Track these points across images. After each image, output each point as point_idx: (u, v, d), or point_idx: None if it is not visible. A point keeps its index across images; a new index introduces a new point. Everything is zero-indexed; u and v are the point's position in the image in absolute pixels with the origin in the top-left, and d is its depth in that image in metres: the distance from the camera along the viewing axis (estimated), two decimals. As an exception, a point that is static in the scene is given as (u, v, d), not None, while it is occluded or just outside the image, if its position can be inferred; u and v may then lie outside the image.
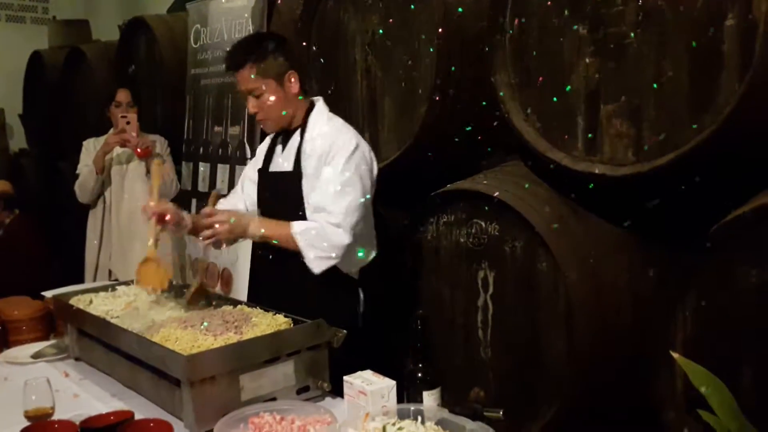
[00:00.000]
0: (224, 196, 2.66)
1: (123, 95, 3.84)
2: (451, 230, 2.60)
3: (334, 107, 2.44)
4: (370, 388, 1.65)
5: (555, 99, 2.26)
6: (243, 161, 3.48)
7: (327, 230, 2.17)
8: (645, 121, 2.06)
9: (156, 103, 4.34)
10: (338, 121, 2.34)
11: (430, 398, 1.68)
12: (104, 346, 2.10)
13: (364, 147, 2.29)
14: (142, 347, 1.86)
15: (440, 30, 2.50)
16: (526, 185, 2.41)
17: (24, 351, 2.37)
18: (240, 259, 3.45)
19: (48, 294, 2.63)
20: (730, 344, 1.91)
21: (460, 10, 2.53)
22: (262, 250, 2.40)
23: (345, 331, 1.92)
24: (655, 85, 2.01)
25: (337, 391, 1.83)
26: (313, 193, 2.23)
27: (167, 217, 2.18)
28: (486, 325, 2.50)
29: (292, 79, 2.27)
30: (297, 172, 2.28)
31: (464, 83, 2.58)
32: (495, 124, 2.47)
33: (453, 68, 2.53)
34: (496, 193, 2.34)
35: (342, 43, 2.95)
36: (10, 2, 6.76)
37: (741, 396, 1.33)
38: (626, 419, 2.23)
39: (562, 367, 2.28)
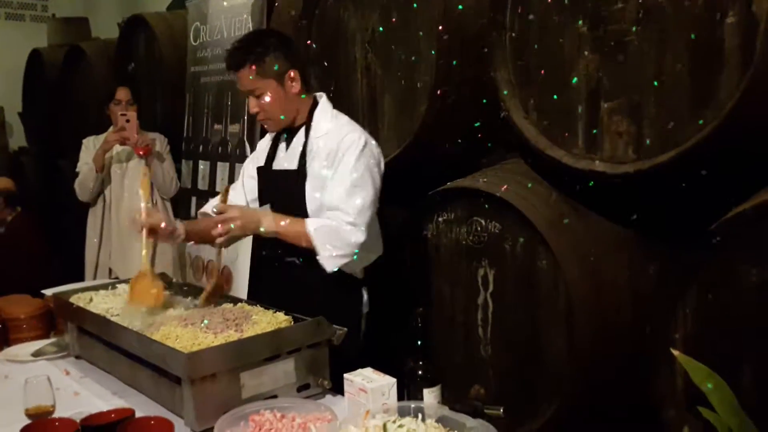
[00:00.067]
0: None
1: (123, 93, 3.84)
2: (451, 228, 2.60)
3: (334, 105, 2.43)
4: (370, 385, 1.65)
5: (555, 96, 2.26)
6: (243, 159, 3.48)
7: (342, 228, 2.15)
8: (645, 119, 2.06)
9: (156, 101, 4.34)
10: (343, 119, 2.31)
11: (430, 396, 1.68)
12: (105, 344, 2.10)
13: (372, 143, 2.26)
14: (143, 345, 1.86)
15: (440, 28, 2.50)
16: (529, 184, 2.40)
17: (24, 349, 2.37)
18: (240, 257, 3.44)
19: (48, 292, 2.63)
20: (731, 342, 1.91)
21: (460, 7, 2.53)
22: (267, 250, 2.37)
23: (345, 328, 1.92)
24: (655, 83, 2.01)
25: (338, 389, 1.83)
26: (324, 192, 2.21)
27: (160, 228, 2.18)
28: (486, 323, 2.50)
29: (293, 78, 2.24)
30: (301, 172, 2.25)
31: (464, 81, 2.57)
32: (495, 121, 2.47)
33: (453, 66, 2.53)
34: (504, 186, 2.33)
35: (342, 41, 2.95)
36: (9, 0, 6.76)
37: (741, 393, 1.33)
38: (626, 417, 2.23)
39: (563, 364, 2.29)
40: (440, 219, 2.63)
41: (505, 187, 2.35)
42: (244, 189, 2.46)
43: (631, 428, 2.25)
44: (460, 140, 2.73)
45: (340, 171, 2.19)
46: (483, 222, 2.48)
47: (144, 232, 2.19)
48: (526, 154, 2.54)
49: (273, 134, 2.43)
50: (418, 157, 2.70)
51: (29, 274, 3.75)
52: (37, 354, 2.32)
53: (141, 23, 4.42)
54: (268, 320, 1.94)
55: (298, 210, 2.23)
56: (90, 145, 3.96)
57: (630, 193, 2.25)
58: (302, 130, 2.30)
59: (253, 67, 2.20)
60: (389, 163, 2.68)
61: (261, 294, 2.35)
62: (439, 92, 2.52)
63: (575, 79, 2.20)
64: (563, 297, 2.26)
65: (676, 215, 2.18)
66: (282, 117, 2.27)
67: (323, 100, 2.35)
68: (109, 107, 3.86)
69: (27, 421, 1.65)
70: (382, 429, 1.42)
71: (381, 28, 2.77)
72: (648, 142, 2.06)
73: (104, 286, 2.44)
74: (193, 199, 3.90)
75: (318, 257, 2.16)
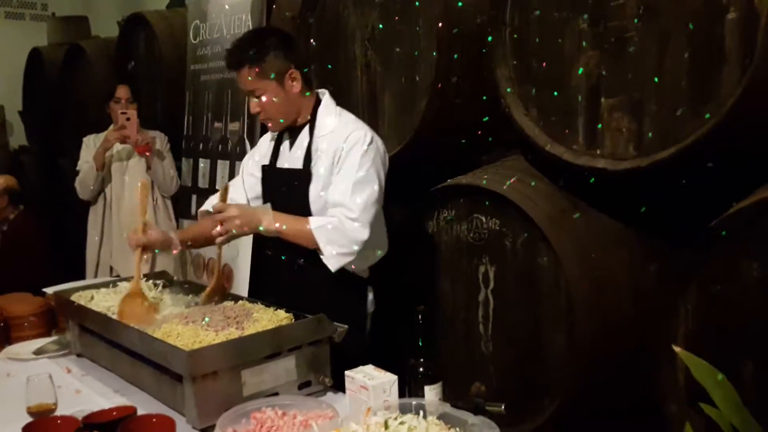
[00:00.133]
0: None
1: (123, 91, 3.84)
2: (451, 225, 2.60)
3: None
4: (371, 382, 1.65)
5: (556, 93, 2.26)
6: (243, 157, 3.46)
7: (345, 225, 2.13)
8: (646, 115, 2.06)
9: (156, 99, 4.34)
10: (347, 116, 2.29)
11: (431, 393, 1.68)
12: (106, 342, 2.10)
13: (378, 141, 2.24)
14: (144, 343, 1.86)
15: (440, 24, 2.49)
16: (533, 182, 2.40)
17: (26, 347, 2.37)
18: (240, 255, 3.45)
19: (49, 290, 2.63)
20: (732, 338, 1.91)
21: (459, 4, 2.52)
22: (271, 250, 2.35)
23: (346, 326, 1.92)
24: (656, 79, 2.00)
25: (339, 386, 1.83)
26: (329, 190, 2.19)
27: (156, 245, 2.20)
28: (487, 320, 2.50)
29: (294, 78, 2.21)
30: (306, 172, 2.23)
31: (464, 78, 2.57)
32: (495, 118, 2.47)
33: (453, 63, 2.53)
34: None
35: (342, 38, 2.94)
36: (9, -1, 6.77)
37: (742, 390, 1.33)
38: (628, 413, 2.23)
39: (564, 361, 2.29)
40: (441, 216, 2.63)
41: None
42: (245, 186, 2.44)
43: (632, 424, 2.25)
44: (460, 137, 2.73)
45: (345, 168, 2.17)
46: (483, 219, 2.48)
47: (138, 251, 2.18)
48: (527, 150, 2.54)
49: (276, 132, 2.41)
50: (419, 155, 2.69)
51: (31, 272, 3.75)
52: (38, 352, 2.32)
53: (141, 21, 4.41)
54: (269, 318, 1.94)
55: (303, 209, 2.21)
56: (90, 144, 3.96)
57: (631, 189, 2.25)
58: (306, 129, 2.28)
59: (253, 67, 2.17)
60: (390, 161, 2.69)
61: (266, 293, 2.31)
62: (439, 85, 2.51)
63: (576, 75, 2.20)
64: (564, 294, 2.26)
65: (677, 212, 2.18)
66: (283, 117, 2.25)
67: (326, 97, 2.32)
68: (109, 105, 3.85)
69: (29, 419, 1.65)
70: (383, 426, 1.42)
71: (381, 26, 2.77)
72: (648, 138, 2.05)
73: (105, 284, 2.44)
74: (194, 197, 3.90)
75: (322, 257, 2.14)
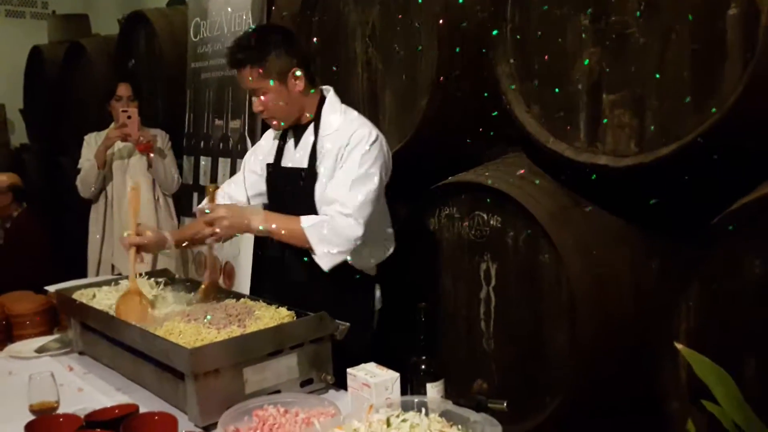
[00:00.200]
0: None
1: (124, 89, 3.84)
2: (452, 222, 2.60)
3: (335, 100, 2.43)
4: (373, 380, 1.65)
5: (557, 90, 2.25)
6: (244, 155, 3.48)
7: (338, 222, 2.10)
8: (648, 112, 2.05)
9: (156, 97, 4.34)
10: (352, 114, 2.26)
11: (433, 390, 1.68)
12: (108, 340, 2.10)
13: (382, 140, 2.21)
14: (146, 341, 1.86)
15: (441, 21, 2.49)
16: (537, 181, 2.39)
17: (28, 345, 2.37)
18: (242, 253, 3.45)
19: (51, 288, 2.63)
20: (734, 335, 1.91)
21: (460, 1, 2.52)
22: (277, 249, 2.32)
23: (348, 323, 1.92)
24: (657, 75, 2.00)
25: (341, 384, 1.83)
26: (327, 187, 2.16)
27: (149, 246, 2.20)
28: (488, 317, 2.50)
29: (297, 77, 2.17)
30: (312, 171, 2.20)
31: (465, 75, 2.57)
32: (496, 115, 2.46)
33: (454, 60, 2.53)
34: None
35: (342, 35, 2.94)
36: (9, -3, 6.77)
37: (744, 386, 1.33)
38: (629, 411, 2.23)
39: (565, 358, 2.29)
40: (442, 213, 2.63)
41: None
42: (245, 184, 2.42)
43: (634, 422, 2.25)
44: (461, 134, 2.72)
45: (345, 165, 2.14)
46: (485, 216, 2.48)
47: (132, 251, 2.18)
48: (528, 147, 2.53)
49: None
50: (420, 152, 2.69)
51: (33, 270, 3.76)
52: (40, 350, 2.33)
53: (141, 19, 4.41)
54: (270, 315, 1.94)
55: (309, 209, 2.18)
56: (91, 142, 3.95)
57: (632, 186, 2.25)
58: (311, 128, 2.25)
59: (255, 67, 2.14)
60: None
61: (272, 292, 2.29)
62: (440, 83, 2.51)
63: (577, 72, 2.20)
64: (565, 291, 2.26)
65: (679, 208, 2.18)
66: (287, 116, 2.23)
67: (331, 94, 2.29)
68: (110, 104, 3.85)
69: (31, 417, 1.65)
70: (385, 424, 1.43)
71: (381, 23, 2.77)
72: (650, 134, 2.05)
73: (107, 283, 2.44)
74: (195, 195, 3.90)
75: (314, 256, 2.11)
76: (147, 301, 2.16)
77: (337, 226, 2.10)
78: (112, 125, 3.85)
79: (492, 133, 2.71)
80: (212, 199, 2.20)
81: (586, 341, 2.22)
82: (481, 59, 2.47)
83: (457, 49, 2.52)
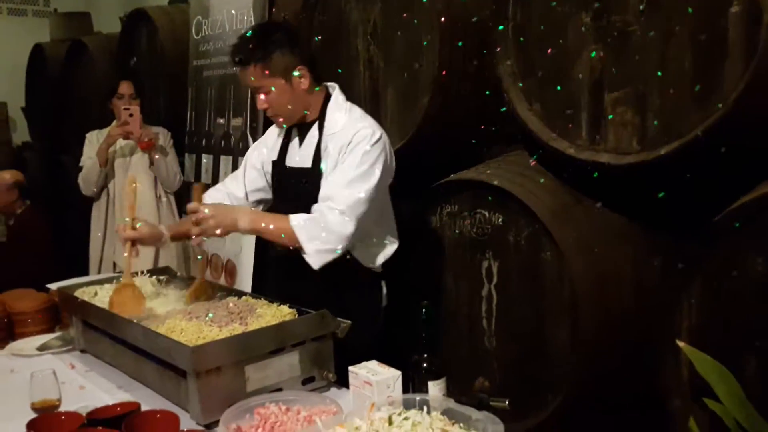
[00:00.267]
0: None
1: (125, 87, 3.84)
2: (454, 220, 2.59)
3: (337, 98, 2.43)
4: (375, 378, 1.65)
5: (559, 88, 2.25)
6: (245, 153, 3.48)
7: (328, 219, 2.06)
8: (649, 110, 2.05)
9: (158, 95, 4.34)
10: (357, 113, 2.23)
11: (435, 388, 1.68)
12: (110, 338, 2.10)
13: (385, 140, 2.18)
14: (148, 339, 1.86)
15: (443, 19, 2.49)
16: (541, 180, 2.39)
17: (30, 343, 2.38)
18: (244, 250, 3.45)
19: (53, 286, 2.63)
20: (736, 333, 1.91)
21: (462, -2, 2.52)
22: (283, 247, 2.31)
23: (349, 321, 1.92)
24: (659, 73, 2.00)
25: (343, 382, 1.83)
26: (324, 183, 2.15)
27: (145, 239, 2.19)
28: (490, 315, 2.50)
29: (302, 75, 2.15)
30: (316, 171, 2.18)
31: (467, 73, 2.57)
32: (498, 113, 2.46)
33: (456, 58, 2.52)
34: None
35: (344, 33, 2.94)
36: (11, -4, 6.77)
37: (746, 384, 1.33)
38: (631, 408, 2.23)
39: (567, 356, 2.29)
40: (444, 211, 2.63)
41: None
42: (245, 179, 2.40)
43: (636, 420, 2.25)
44: (462, 132, 2.72)
45: (346, 163, 2.12)
46: (487, 214, 2.47)
47: (128, 245, 2.18)
48: (530, 145, 2.53)
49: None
50: (421, 150, 2.69)
51: (36, 267, 3.77)
52: (42, 348, 2.33)
53: (143, 17, 4.41)
54: (272, 313, 1.94)
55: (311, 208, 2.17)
56: (93, 140, 3.96)
57: (634, 184, 2.24)
58: (315, 126, 2.23)
59: (259, 66, 2.11)
60: (392, 156, 2.68)
61: (279, 290, 2.28)
62: (442, 81, 2.50)
63: (579, 70, 2.19)
64: (567, 289, 2.26)
65: (681, 206, 2.17)
66: (291, 114, 2.21)
67: (336, 92, 2.27)
68: (111, 101, 3.86)
69: (33, 415, 1.65)
70: (387, 422, 1.42)
71: (383, 21, 2.76)
72: (652, 132, 2.05)
73: (109, 280, 2.44)
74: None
75: (304, 255, 2.08)
76: (141, 294, 2.18)
77: (327, 223, 2.07)
78: (114, 123, 3.85)
79: (493, 131, 2.71)
80: (198, 199, 2.18)
81: (587, 339, 2.22)
82: (483, 57, 2.47)
83: (459, 48, 2.52)
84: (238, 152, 3.59)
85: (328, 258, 2.09)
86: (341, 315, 1.93)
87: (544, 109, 2.32)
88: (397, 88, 2.77)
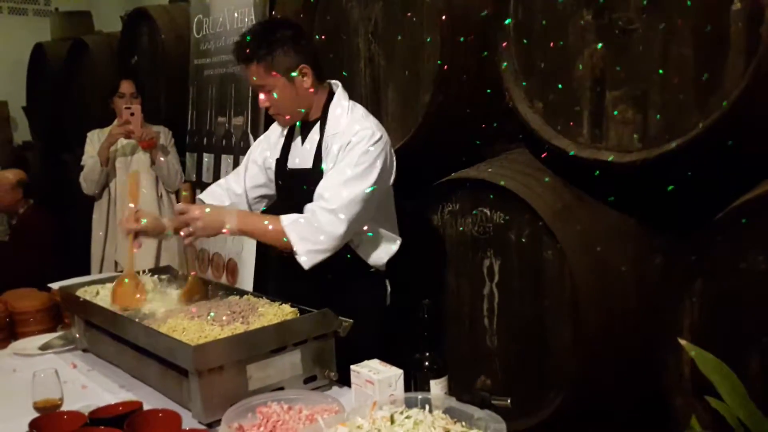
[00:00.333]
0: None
1: (126, 86, 3.84)
2: (455, 219, 2.59)
3: (338, 96, 2.42)
4: (377, 377, 1.65)
5: (560, 86, 2.25)
6: (246, 151, 3.48)
7: (319, 218, 2.04)
8: (651, 107, 2.05)
9: (159, 93, 4.34)
10: (358, 112, 2.21)
11: (437, 387, 1.68)
12: (112, 337, 2.10)
13: (385, 139, 2.16)
14: (150, 338, 1.86)
15: (443, 17, 2.48)
16: (546, 179, 2.38)
17: (32, 343, 2.38)
18: (245, 249, 3.45)
19: (55, 286, 2.64)
20: (738, 331, 1.91)
21: (463, -3, 2.52)
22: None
23: (351, 320, 1.92)
24: (660, 71, 2.00)
25: (345, 381, 1.83)
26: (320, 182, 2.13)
27: (147, 231, 2.18)
28: (492, 314, 2.50)
29: (304, 73, 2.13)
30: (317, 171, 2.16)
31: (468, 71, 2.56)
32: (499, 111, 2.46)
33: (457, 56, 2.52)
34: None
35: (345, 31, 2.94)
36: (12, -5, 6.77)
37: (748, 383, 1.33)
38: (633, 406, 2.23)
39: (569, 354, 2.29)
40: (445, 210, 2.63)
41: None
42: (246, 175, 2.39)
43: (638, 418, 2.25)
44: (463, 130, 2.72)
45: (343, 162, 2.10)
46: (488, 212, 2.47)
47: (130, 237, 2.17)
48: (531, 143, 2.53)
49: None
50: (422, 148, 2.69)
51: (39, 266, 3.77)
52: (44, 347, 2.33)
53: (144, 16, 4.41)
54: (274, 312, 1.94)
55: None
56: (94, 139, 3.96)
57: (636, 182, 2.24)
58: (317, 126, 2.21)
59: (261, 64, 2.10)
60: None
61: (283, 289, 2.27)
62: (443, 79, 2.50)
63: (580, 68, 2.19)
64: (569, 287, 2.26)
65: (682, 204, 2.17)
66: (294, 113, 2.20)
67: (339, 91, 2.25)
68: (113, 100, 3.85)
69: (35, 415, 1.65)
70: (389, 420, 1.42)
71: (384, 19, 2.76)
72: (654, 130, 2.05)
73: (110, 280, 2.43)
74: (197, 192, 3.90)
75: (296, 255, 2.06)
76: (143, 286, 2.19)
77: (317, 222, 2.05)
78: (115, 122, 3.85)
79: (495, 130, 2.71)
80: (186, 200, 2.18)
81: (589, 337, 2.22)
82: (484, 55, 2.47)
83: (460, 46, 2.52)
84: (239, 151, 3.59)
85: (319, 258, 2.07)
86: (344, 314, 1.93)
87: (546, 107, 2.32)
88: (398, 87, 2.77)
